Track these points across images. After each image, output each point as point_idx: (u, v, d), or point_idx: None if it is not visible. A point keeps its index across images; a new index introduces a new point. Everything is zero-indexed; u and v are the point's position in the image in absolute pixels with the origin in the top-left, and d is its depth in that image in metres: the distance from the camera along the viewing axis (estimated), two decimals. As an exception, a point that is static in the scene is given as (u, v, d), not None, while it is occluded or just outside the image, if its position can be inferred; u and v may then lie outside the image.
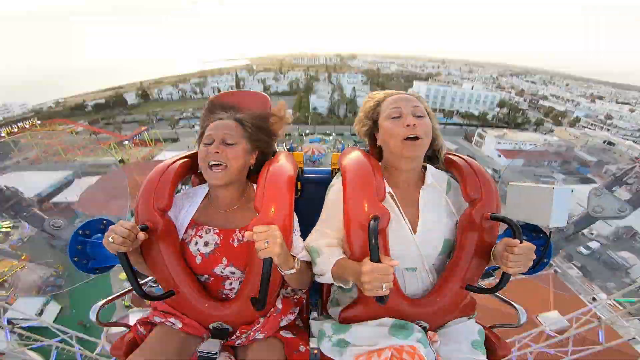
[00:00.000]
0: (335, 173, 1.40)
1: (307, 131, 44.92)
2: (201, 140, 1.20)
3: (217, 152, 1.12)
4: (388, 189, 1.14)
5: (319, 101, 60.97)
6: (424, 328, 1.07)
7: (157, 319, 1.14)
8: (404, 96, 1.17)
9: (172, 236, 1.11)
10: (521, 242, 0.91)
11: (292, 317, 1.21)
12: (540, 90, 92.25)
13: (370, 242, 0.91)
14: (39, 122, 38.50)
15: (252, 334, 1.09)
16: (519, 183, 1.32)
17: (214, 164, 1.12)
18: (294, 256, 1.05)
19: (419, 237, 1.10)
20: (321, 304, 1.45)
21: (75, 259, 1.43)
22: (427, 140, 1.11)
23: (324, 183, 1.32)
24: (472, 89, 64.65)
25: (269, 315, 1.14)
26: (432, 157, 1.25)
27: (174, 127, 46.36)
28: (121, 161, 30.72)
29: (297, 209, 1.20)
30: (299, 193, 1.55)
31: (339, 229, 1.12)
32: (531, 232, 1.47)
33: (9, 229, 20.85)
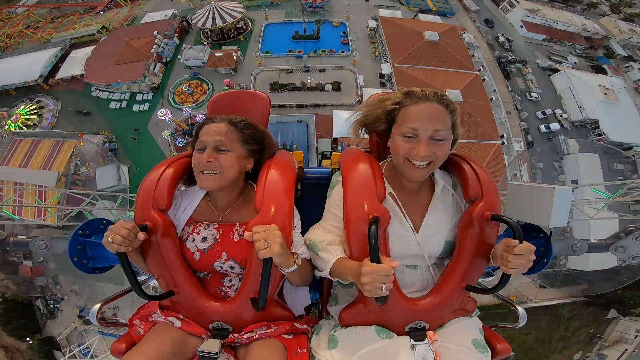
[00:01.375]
0: (336, 173, 1.38)
1: None
2: (195, 144, 1.15)
3: (210, 162, 1.09)
4: (389, 189, 1.13)
5: None
6: (423, 328, 1.07)
7: (156, 318, 1.13)
8: (428, 113, 1.03)
9: (171, 236, 1.11)
10: (521, 242, 0.91)
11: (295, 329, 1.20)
12: None
13: (370, 242, 0.91)
14: None
15: (256, 335, 1.10)
16: (519, 183, 1.31)
17: (208, 173, 1.10)
18: (294, 253, 1.05)
19: (421, 238, 1.11)
20: (321, 304, 1.46)
21: (75, 259, 1.43)
22: (437, 164, 1.07)
23: (324, 183, 1.32)
24: None
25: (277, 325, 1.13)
26: None
27: None
28: (103, 28, 28.61)
29: (297, 209, 1.19)
30: (299, 193, 1.55)
31: (340, 227, 1.12)
32: (531, 232, 1.46)
33: (36, 110, 21.40)
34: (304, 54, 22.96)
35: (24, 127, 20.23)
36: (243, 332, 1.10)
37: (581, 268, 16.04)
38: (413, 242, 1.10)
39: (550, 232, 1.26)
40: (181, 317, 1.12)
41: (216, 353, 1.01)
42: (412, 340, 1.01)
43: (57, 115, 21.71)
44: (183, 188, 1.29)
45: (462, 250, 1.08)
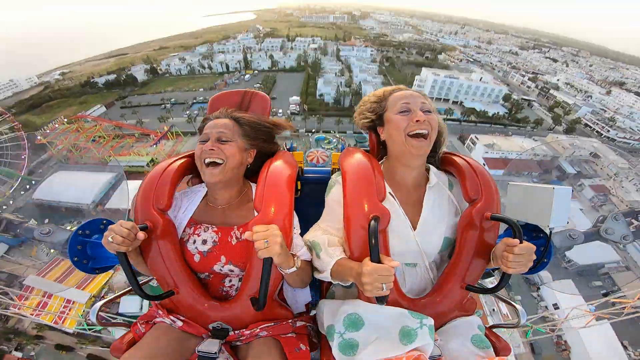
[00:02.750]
0: (335, 172, 1.38)
1: (313, 130, 45.56)
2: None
3: (212, 149, 1.12)
4: (388, 189, 1.14)
5: (326, 87, 61.77)
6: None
7: (156, 318, 1.13)
8: (412, 92, 1.17)
9: (171, 236, 1.10)
10: (521, 242, 0.91)
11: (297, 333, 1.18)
12: (558, 73, 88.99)
13: (370, 242, 0.90)
14: (65, 119, 40.68)
15: (257, 330, 1.09)
16: (519, 183, 1.31)
17: (210, 162, 1.13)
18: (294, 254, 1.05)
19: (419, 235, 1.11)
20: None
21: (75, 259, 1.43)
22: (434, 136, 1.12)
23: (324, 183, 1.32)
24: (480, 79, 64.55)
25: (278, 322, 1.13)
26: (430, 154, 1.23)
27: (191, 120, 47.28)
28: (152, 161, 32.14)
29: (297, 209, 1.19)
30: (299, 193, 1.54)
31: (339, 228, 1.12)
32: (531, 232, 1.46)
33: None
34: None
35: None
36: (243, 330, 1.09)
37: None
38: (411, 239, 1.10)
39: (550, 232, 1.26)
40: (181, 317, 1.11)
41: (215, 353, 1.00)
42: None
43: None
44: (182, 190, 1.29)
45: (462, 250, 1.08)
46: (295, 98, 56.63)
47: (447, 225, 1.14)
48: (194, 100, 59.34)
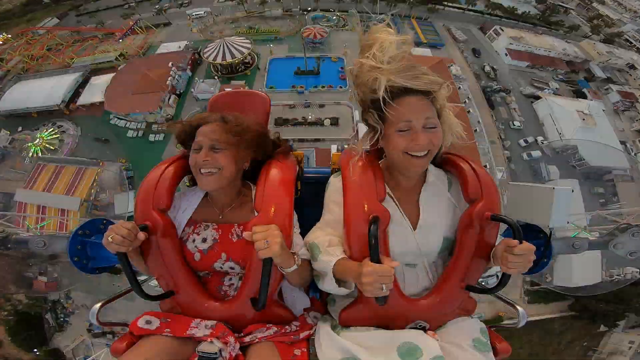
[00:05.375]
0: (335, 172, 1.38)
1: (309, 8, 39.24)
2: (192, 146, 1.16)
3: (207, 160, 1.10)
4: (388, 190, 1.13)
5: None
6: (423, 328, 1.07)
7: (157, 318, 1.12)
8: (416, 105, 1.02)
9: (171, 236, 1.10)
10: (521, 243, 0.91)
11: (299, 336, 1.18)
12: None
13: (370, 242, 0.90)
14: (9, 35, 34.68)
15: (257, 338, 1.09)
16: (519, 183, 1.32)
17: (206, 172, 1.10)
18: (294, 253, 1.05)
19: (419, 234, 1.11)
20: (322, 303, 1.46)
21: (75, 259, 1.42)
22: (435, 151, 1.07)
23: (324, 183, 1.31)
24: None
25: (280, 329, 1.12)
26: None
27: (161, 11, 40.21)
28: (121, 55, 29.87)
29: (297, 209, 1.19)
30: (299, 193, 1.54)
31: (339, 228, 1.12)
32: (531, 232, 1.46)
33: (57, 135, 22.02)
34: (305, 90, 24.31)
35: (46, 151, 20.75)
36: (243, 334, 1.09)
37: (566, 284, 16.13)
38: (411, 239, 1.11)
39: (550, 232, 1.26)
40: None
41: (215, 353, 1.00)
42: None
43: (77, 140, 22.35)
44: (182, 190, 1.29)
45: (462, 250, 1.08)
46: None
47: (446, 225, 1.14)
48: (163, -7, 47.61)
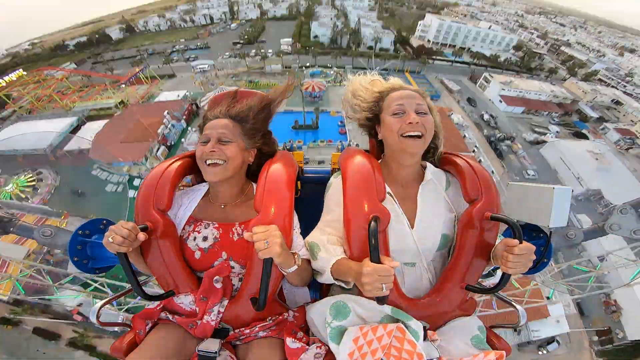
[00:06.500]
0: (335, 172, 1.38)
1: (308, 64, 42.54)
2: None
3: (214, 151, 1.13)
4: (388, 189, 1.14)
5: (321, 29, 55.74)
6: (423, 328, 1.05)
7: (157, 319, 1.13)
8: (408, 93, 1.17)
9: (172, 236, 1.11)
10: (521, 242, 0.91)
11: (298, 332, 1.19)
12: (567, 34, 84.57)
13: (370, 242, 0.90)
14: (24, 72, 35.76)
15: (257, 328, 1.09)
16: (519, 183, 1.30)
17: (212, 163, 1.13)
18: (294, 253, 1.05)
19: (417, 232, 1.11)
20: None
21: (75, 259, 1.43)
22: (428, 137, 1.13)
23: (324, 183, 1.32)
24: (489, 28, 58.92)
25: (278, 317, 1.13)
26: (428, 153, 1.25)
27: (168, 62, 43.58)
28: (121, 103, 30.25)
29: (297, 209, 1.20)
30: (299, 193, 1.55)
31: (339, 228, 1.12)
32: (531, 232, 1.47)
33: (33, 183, 20.72)
34: (303, 144, 23.61)
35: (15, 199, 19.14)
36: (243, 329, 1.10)
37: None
38: (409, 237, 1.11)
39: (550, 232, 1.26)
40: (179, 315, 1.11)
41: (216, 352, 1.00)
42: None
43: (52, 191, 20.57)
44: (183, 189, 1.30)
45: (462, 250, 1.08)
46: (288, 39, 51.90)
47: (444, 222, 1.14)
48: (173, 49, 53.15)
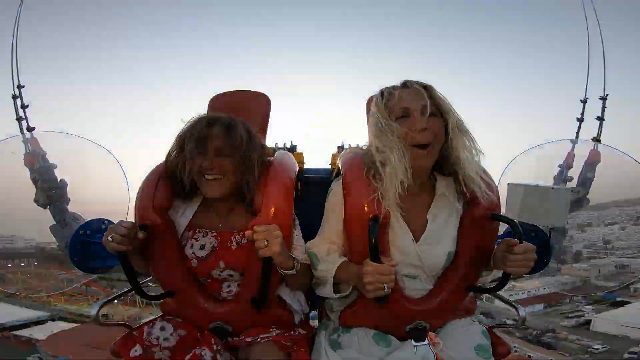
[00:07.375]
0: (335, 172, 1.40)
1: None
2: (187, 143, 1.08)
3: (213, 167, 1.04)
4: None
5: None
6: (424, 328, 1.05)
7: (157, 319, 1.13)
8: (414, 93, 1.00)
9: (171, 236, 1.10)
10: (521, 242, 0.90)
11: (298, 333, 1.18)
12: None
13: (370, 241, 0.90)
14: (35, 263, 38.95)
15: (258, 339, 1.08)
16: (519, 182, 1.29)
17: (211, 178, 1.05)
18: (294, 258, 1.05)
19: (422, 247, 1.06)
20: (320, 306, 1.43)
21: (76, 259, 1.42)
22: (437, 146, 1.00)
23: (324, 183, 1.31)
24: None
25: (280, 332, 1.12)
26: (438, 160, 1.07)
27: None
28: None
29: (297, 209, 1.19)
30: (299, 193, 1.54)
31: (339, 234, 1.11)
32: (531, 232, 1.46)
33: None
34: None
35: None
36: (244, 336, 1.09)
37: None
38: (412, 252, 1.06)
39: (550, 232, 1.26)
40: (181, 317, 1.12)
41: (215, 353, 0.99)
42: (413, 341, 1.00)
43: None
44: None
45: (462, 250, 1.07)
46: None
47: (452, 239, 1.09)
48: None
